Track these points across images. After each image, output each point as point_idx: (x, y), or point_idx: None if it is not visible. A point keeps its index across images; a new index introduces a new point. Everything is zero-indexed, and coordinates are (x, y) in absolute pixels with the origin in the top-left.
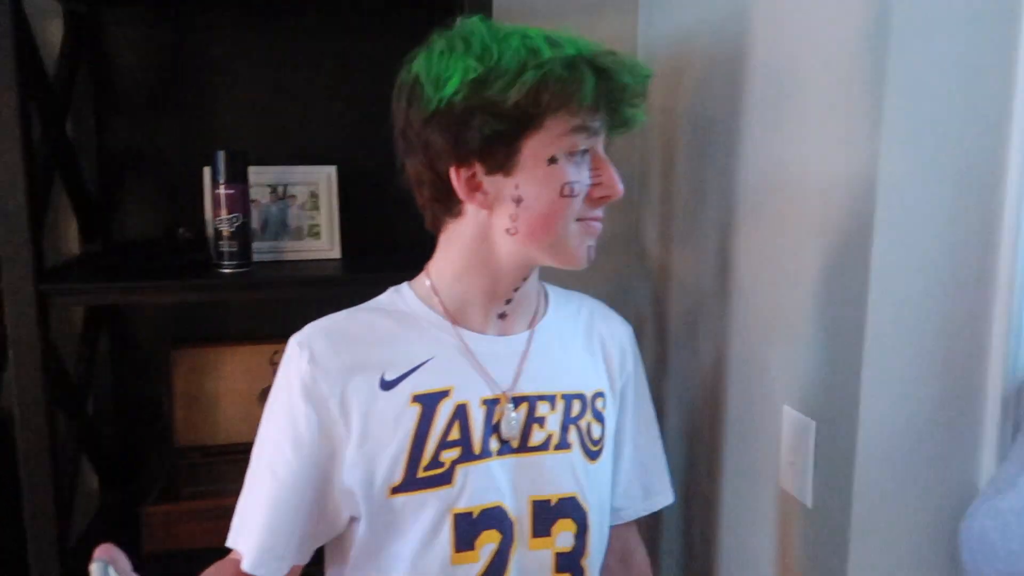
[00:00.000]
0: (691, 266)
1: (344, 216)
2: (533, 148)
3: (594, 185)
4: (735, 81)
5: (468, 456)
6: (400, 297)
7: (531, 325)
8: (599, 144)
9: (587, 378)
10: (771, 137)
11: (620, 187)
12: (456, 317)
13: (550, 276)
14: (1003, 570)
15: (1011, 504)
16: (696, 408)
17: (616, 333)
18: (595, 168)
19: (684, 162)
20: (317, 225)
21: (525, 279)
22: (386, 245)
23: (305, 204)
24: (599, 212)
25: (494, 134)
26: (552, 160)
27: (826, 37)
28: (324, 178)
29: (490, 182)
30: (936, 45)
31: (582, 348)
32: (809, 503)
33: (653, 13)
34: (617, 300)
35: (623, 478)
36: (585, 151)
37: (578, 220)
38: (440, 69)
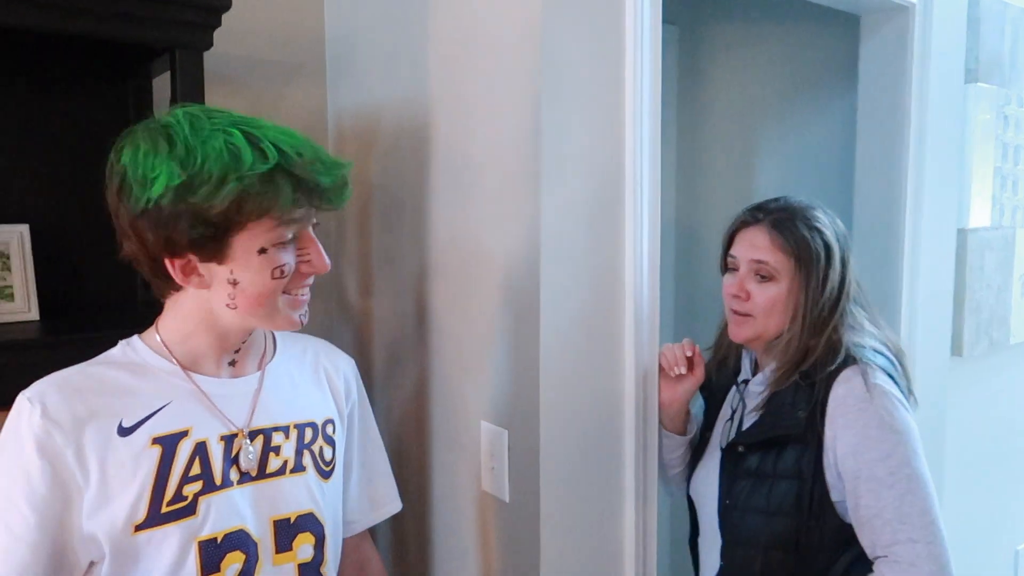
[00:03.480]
0: (391, 313)
1: (39, 276)
2: (242, 243)
3: (303, 262)
4: (420, 154)
5: (210, 488)
6: (132, 350)
7: (260, 366)
8: (308, 224)
9: (317, 408)
10: (454, 205)
11: (327, 263)
12: (189, 366)
13: None
14: None
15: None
16: (403, 433)
17: (340, 366)
18: (303, 248)
19: (378, 222)
20: (10, 287)
21: (249, 334)
22: (85, 304)
23: None
24: (309, 282)
25: (201, 237)
26: (262, 251)
27: (494, 128)
28: (16, 237)
29: (205, 268)
30: (573, 140)
31: (310, 382)
32: (507, 499)
33: (341, 86)
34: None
35: (353, 493)
36: (293, 236)
37: (287, 293)
38: (146, 169)
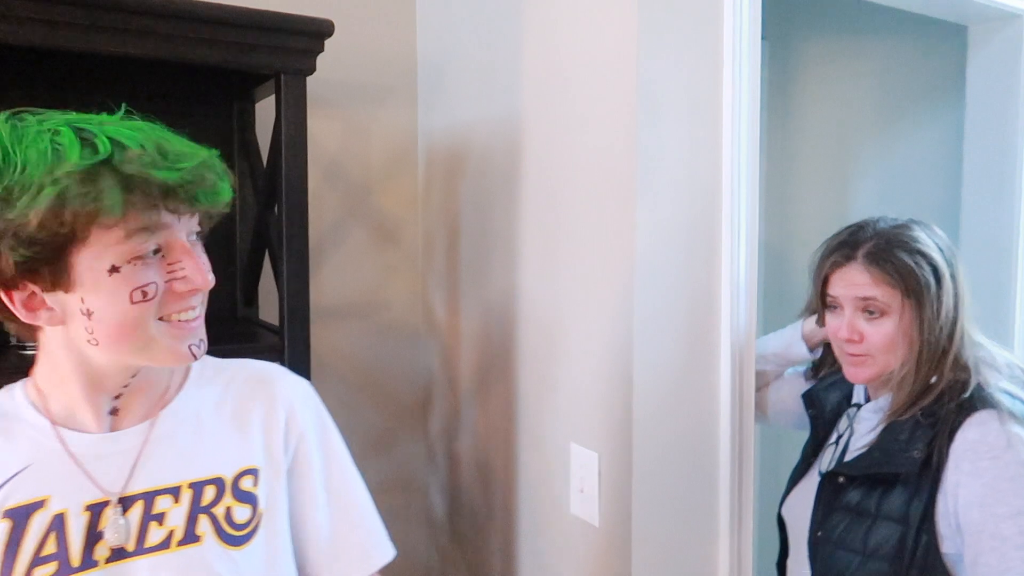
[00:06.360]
0: (478, 331)
1: None
2: (86, 261)
3: (176, 279)
4: (511, 174)
5: (65, 571)
6: (10, 398)
7: (153, 412)
8: (176, 234)
9: (229, 458)
10: (544, 225)
11: (207, 277)
12: (62, 419)
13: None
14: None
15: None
16: (489, 452)
17: (281, 397)
18: (173, 261)
19: (468, 241)
20: None
21: (135, 375)
22: None
23: None
24: (192, 303)
25: (29, 260)
26: (113, 269)
27: (588, 148)
28: None
29: (53, 299)
30: (669, 160)
31: (227, 424)
32: (596, 523)
33: (432, 108)
34: (407, 358)
35: (326, 546)
36: (157, 249)
37: (164, 319)
38: None
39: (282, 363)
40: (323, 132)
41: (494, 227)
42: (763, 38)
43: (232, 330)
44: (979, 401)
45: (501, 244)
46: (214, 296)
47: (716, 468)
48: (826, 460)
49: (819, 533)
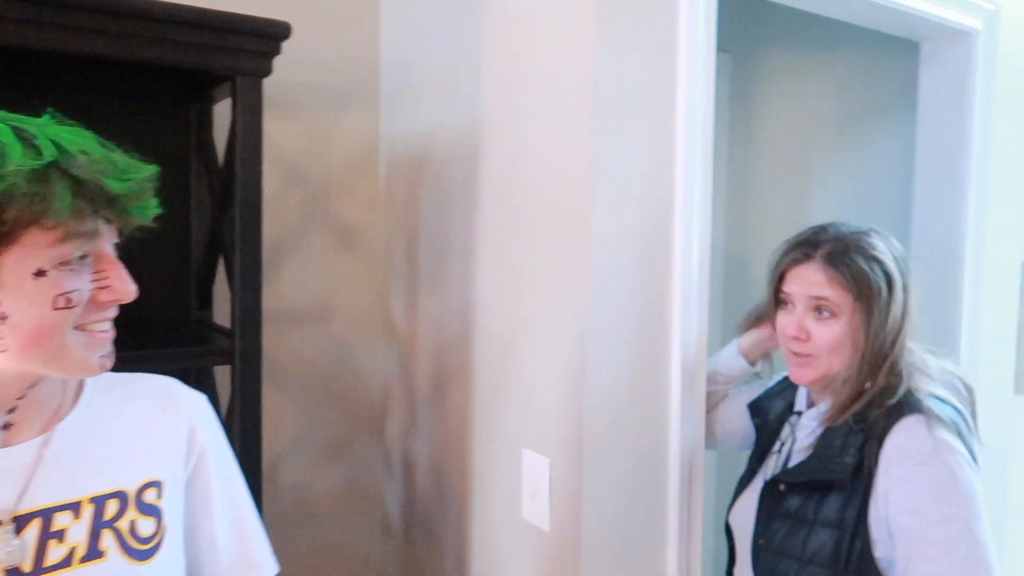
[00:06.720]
0: (436, 338)
1: None
2: (12, 263)
3: (99, 289)
4: (471, 182)
5: None
6: None
7: (48, 427)
8: (103, 243)
9: (130, 470)
10: (502, 232)
11: (131, 288)
12: None
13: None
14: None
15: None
16: (443, 458)
17: (181, 411)
18: (99, 270)
19: (427, 247)
20: None
21: (32, 386)
22: (138, 321)
23: None
24: (108, 315)
25: None
26: (39, 273)
27: (545, 157)
28: None
29: None
30: (624, 169)
31: (127, 437)
32: (547, 528)
33: (394, 113)
34: (365, 364)
35: (223, 556)
36: (84, 256)
37: (80, 328)
38: None
39: (232, 367)
40: (284, 135)
41: (453, 234)
42: (726, 51)
43: (185, 333)
44: (907, 406)
45: (459, 251)
46: (168, 298)
47: (666, 475)
48: (770, 468)
49: (760, 540)
